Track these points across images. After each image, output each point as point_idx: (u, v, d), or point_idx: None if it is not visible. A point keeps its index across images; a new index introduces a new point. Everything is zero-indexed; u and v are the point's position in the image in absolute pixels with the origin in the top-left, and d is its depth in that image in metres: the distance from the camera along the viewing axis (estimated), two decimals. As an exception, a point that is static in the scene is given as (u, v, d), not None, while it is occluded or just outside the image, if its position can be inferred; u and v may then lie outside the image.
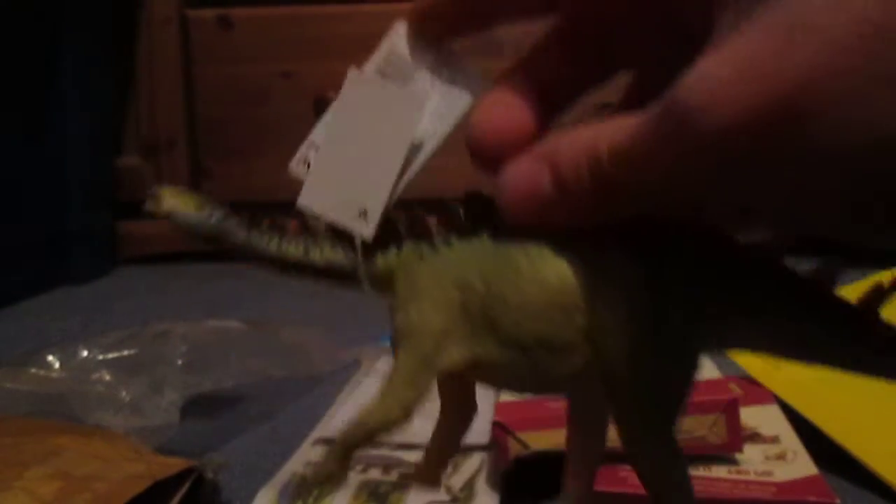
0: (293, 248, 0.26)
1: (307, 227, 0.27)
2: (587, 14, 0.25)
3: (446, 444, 0.28)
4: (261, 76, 0.99)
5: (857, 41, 0.16)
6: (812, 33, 0.17)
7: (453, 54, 0.27)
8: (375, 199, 0.25)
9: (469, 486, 0.39)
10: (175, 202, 0.26)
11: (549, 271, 0.23)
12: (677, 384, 0.23)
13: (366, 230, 0.25)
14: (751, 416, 0.45)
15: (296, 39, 0.98)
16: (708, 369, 0.50)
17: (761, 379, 0.51)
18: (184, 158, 1.02)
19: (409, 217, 0.26)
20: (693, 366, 0.23)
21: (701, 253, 0.23)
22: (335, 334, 0.59)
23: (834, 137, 0.17)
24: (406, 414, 0.24)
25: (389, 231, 0.26)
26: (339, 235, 0.26)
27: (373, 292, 0.26)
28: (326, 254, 0.26)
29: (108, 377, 0.48)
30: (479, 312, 0.24)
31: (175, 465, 0.37)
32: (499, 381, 0.26)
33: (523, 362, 0.24)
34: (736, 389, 0.45)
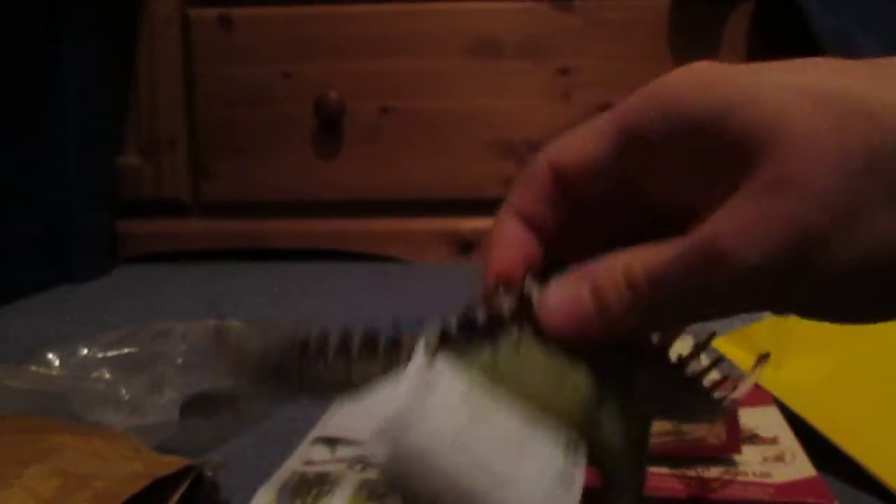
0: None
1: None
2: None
3: None
4: (262, 76, 0.99)
5: (844, 184, 0.21)
6: (804, 183, 0.21)
7: None
8: None
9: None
10: None
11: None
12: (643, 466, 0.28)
13: None
14: (749, 417, 0.45)
15: (297, 39, 0.98)
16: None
17: (760, 380, 0.51)
18: (184, 158, 1.02)
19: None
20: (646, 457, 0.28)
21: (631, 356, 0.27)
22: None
23: (841, 258, 0.21)
24: None
25: None
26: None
27: None
28: None
29: (107, 375, 0.48)
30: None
31: (174, 463, 0.37)
32: None
33: None
34: (735, 391, 0.45)
